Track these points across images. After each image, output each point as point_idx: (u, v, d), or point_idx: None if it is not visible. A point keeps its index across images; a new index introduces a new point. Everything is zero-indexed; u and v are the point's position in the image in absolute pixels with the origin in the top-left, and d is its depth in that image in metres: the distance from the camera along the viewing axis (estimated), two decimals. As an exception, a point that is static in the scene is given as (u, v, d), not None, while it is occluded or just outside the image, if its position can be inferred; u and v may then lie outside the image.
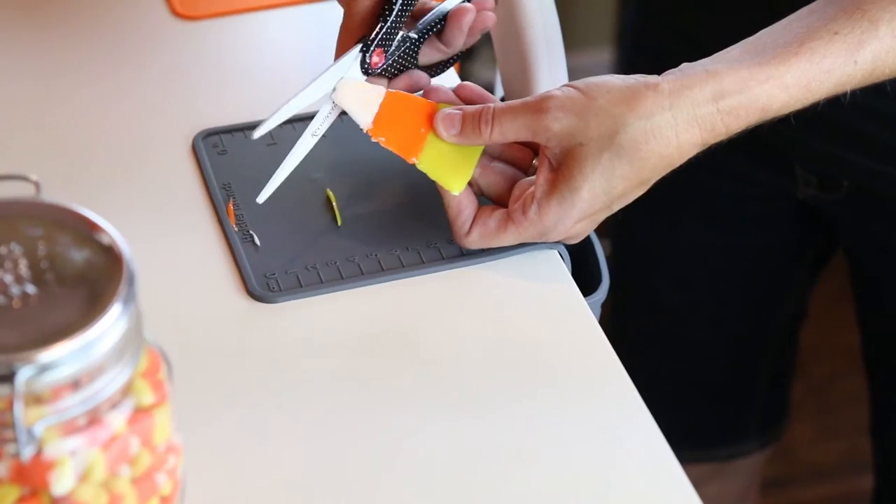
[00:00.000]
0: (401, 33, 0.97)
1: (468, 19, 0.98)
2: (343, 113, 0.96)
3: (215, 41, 1.12)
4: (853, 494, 1.93)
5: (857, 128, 1.11)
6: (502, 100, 1.05)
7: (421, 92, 0.98)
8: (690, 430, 1.44)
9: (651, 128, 0.89)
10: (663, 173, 0.92)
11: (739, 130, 0.91)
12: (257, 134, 0.95)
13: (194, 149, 1.03)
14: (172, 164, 1.02)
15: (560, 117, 0.90)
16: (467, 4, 0.99)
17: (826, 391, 2.08)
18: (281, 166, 0.95)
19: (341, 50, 0.97)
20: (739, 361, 1.40)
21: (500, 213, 0.94)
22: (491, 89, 2.13)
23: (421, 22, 0.98)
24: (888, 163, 1.14)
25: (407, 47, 0.97)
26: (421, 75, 1.00)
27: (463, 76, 2.46)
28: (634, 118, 0.90)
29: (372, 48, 0.95)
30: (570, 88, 0.91)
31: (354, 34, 0.96)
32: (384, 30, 0.95)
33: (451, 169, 0.94)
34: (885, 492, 1.37)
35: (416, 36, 0.98)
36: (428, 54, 0.99)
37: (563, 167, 0.91)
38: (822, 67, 0.90)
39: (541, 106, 0.91)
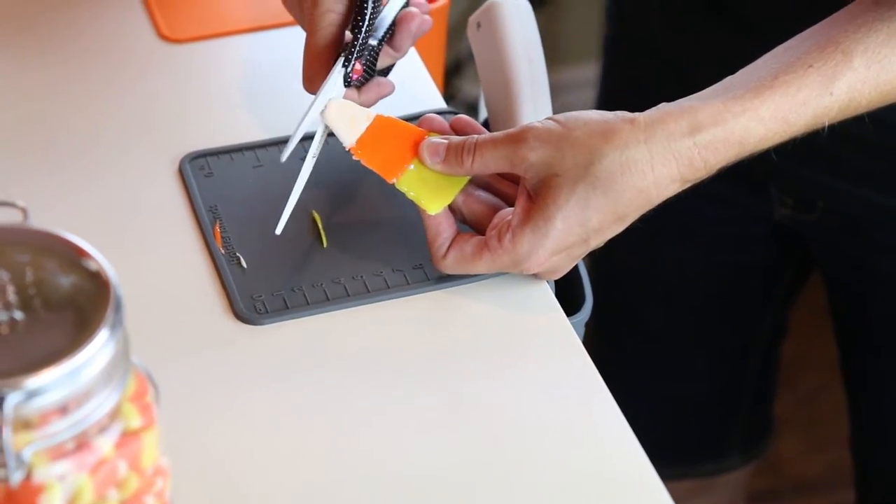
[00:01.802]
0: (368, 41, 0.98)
1: (417, 23, 1.00)
2: (331, 134, 0.97)
3: (202, 64, 1.12)
4: (840, 507, 1.94)
5: (831, 151, 1.12)
6: (485, 122, 1.06)
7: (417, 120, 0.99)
8: (674, 446, 1.45)
9: (626, 160, 0.90)
10: (641, 210, 0.92)
11: (721, 166, 0.92)
12: (284, 157, 0.96)
13: (181, 171, 1.04)
14: (159, 186, 1.03)
15: (537, 147, 0.91)
16: (413, 9, 1.00)
17: (813, 404, 2.09)
18: (291, 194, 0.96)
19: (312, 67, 0.98)
20: (722, 378, 1.41)
21: (476, 239, 0.94)
22: (476, 106, 2.14)
23: (376, 29, 0.99)
24: (861, 185, 1.15)
25: (369, 55, 0.99)
26: (387, 82, 1.01)
27: (450, 92, 2.46)
28: (610, 150, 0.90)
29: (353, 60, 0.96)
30: (550, 121, 0.92)
31: (325, 51, 0.97)
32: (360, 40, 0.96)
33: (431, 192, 0.95)
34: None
35: (375, 43, 0.99)
36: (380, 60, 1.01)
37: (538, 197, 0.92)
38: (798, 99, 0.90)
39: (519, 137, 0.92)
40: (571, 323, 0.97)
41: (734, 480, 1.50)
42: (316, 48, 0.97)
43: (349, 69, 0.96)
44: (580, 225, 0.91)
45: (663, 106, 0.91)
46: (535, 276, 0.97)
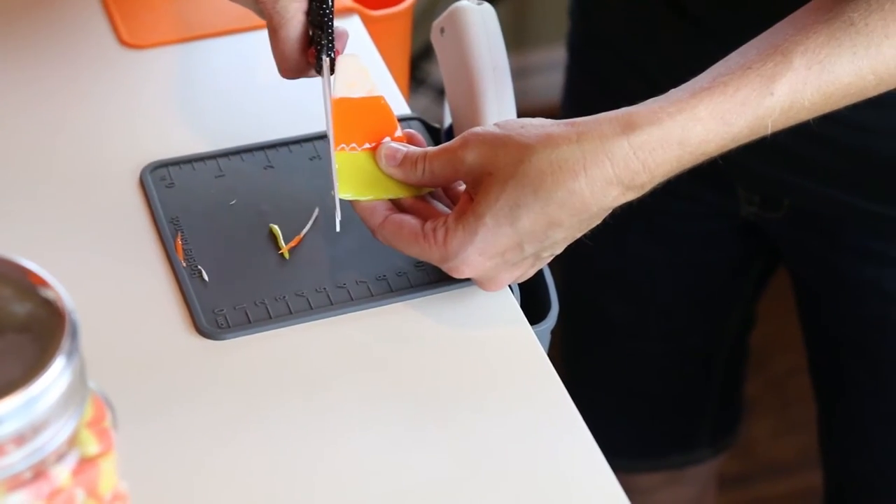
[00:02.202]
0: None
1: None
2: (294, 143, 0.96)
3: (163, 70, 1.11)
4: (812, 489, 1.94)
5: (795, 149, 1.12)
6: (449, 128, 1.06)
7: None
8: (643, 440, 1.45)
9: (556, 158, 0.89)
10: (579, 216, 0.90)
11: (666, 171, 0.91)
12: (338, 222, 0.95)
13: (142, 182, 1.03)
14: (119, 197, 1.02)
15: (474, 149, 0.92)
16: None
17: (784, 386, 2.09)
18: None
19: (290, 59, 0.97)
20: (690, 372, 1.41)
21: (415, 223, 0.94)
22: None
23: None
24: (827, 184, 1.15)
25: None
26: (342, 32, 0.98)
27: (419, 77, 2.44)
28: (541, 148, 0.90)
29: (333, 45, 0.96)
30: (494, 126, 0.93)
31: (300, 39, 0.96)
32: (331, 22, 0.96)
33: (356, 179, 0.95)
34: (834, 494, 1.39)
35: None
36: None
37: (474, 196, 0.92)
38: (737, 99, 0.90)
39: (461, 140, 0.93)
40: (537, 331, 0.96)
41: (703, 471, 1.51)
42: (289, 41, 0.96)
43: (332, 55, 0.96)
44: (510, 224, 0.90)
45: (604, 113, 0.91)
46: (471, 283, 0.96)
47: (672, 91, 0.91)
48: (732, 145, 0.91)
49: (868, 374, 1.26)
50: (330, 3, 0.95)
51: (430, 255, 0.92)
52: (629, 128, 0.89)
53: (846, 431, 1.32)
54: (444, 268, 0.93)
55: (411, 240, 0.93)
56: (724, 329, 1.40)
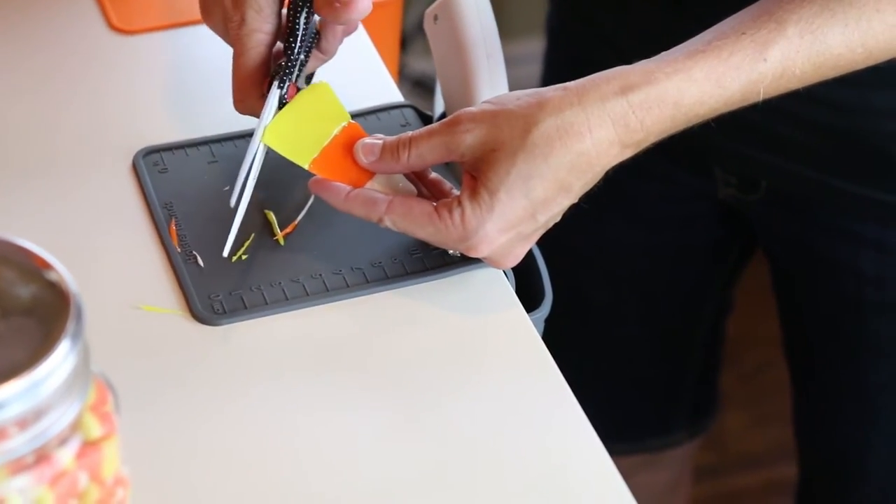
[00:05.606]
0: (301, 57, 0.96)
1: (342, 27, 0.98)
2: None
3: (154, 56, 1.11)
4: (784, 481, 1.95)
5: (773, 130, 1.13)
6: (442, 116, 1.06)
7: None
8: (621, 422, 1.46)
9: (562, 123, 0.90)
10: (584, 178, 0.91)
11: (660, 130, 0.92)
12: (234, 203, 0.94)
13: (135, 167, 1.02)
14: (113, 183, 1.01)
15: (472, 128, 0.92)
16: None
17: (756, 379, 2.11)
18: (235, 218, 0.94)
19: (242, 89, 0.96)
20: (667, 356, 1.42)
21: (427, 204, 0.93)
22: (423, 82, 2.12)
23: (301, 42, 0.96)
24: (804, 164, 1.16)
25: (299, 71, 0.96)
26: None
27: (397, 67, 2.43)
28: (545, 116, 0.90)
29: (288, 82, 0.94)
30: (484, 103, 0.93)
31: (255, 72, 0.95)
32: (293, 61, 0.94)
33: (299, 142, 0.94)
34: (807, 481, 1.40)
35: (303, 57, 0.96)
36: (308, 66, 0.99)
37: (481, 175, 0.92)
38: (731, 63, 0.91)
39: (453, 122, 0.92)
40: (532, 319, 0.97)
41: (680, 455, 1.51)
42: (245, 69, 0.96)
43: (284, 91, 0.95)
44: (524, 196, 0.91)
45: (596, 74, 0.92)
46: (487, 263, 0.96)
47: (664, 53, 0.93)
48: (724, 109, 0.93)
49: (842, 355, 1.27)
50: (297, 39, 0.93)
51: (447, 235, 0.92)
52: (627, 87, 0.91)
53: (820, 413, 1.33)
54: (462, 247, 0.93)
55: (424, 220, 0.92)
56: (701, 312, 1.40)
